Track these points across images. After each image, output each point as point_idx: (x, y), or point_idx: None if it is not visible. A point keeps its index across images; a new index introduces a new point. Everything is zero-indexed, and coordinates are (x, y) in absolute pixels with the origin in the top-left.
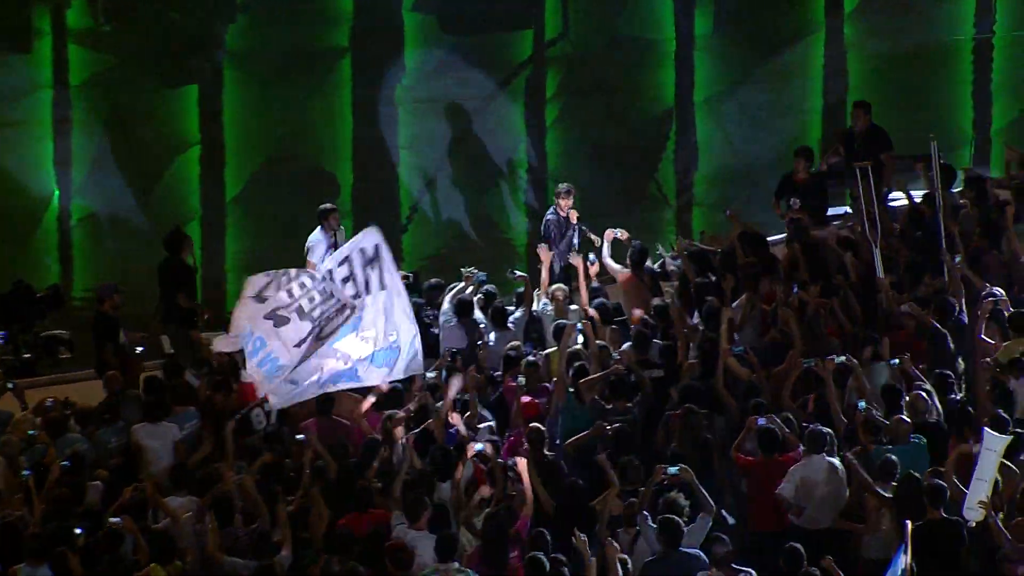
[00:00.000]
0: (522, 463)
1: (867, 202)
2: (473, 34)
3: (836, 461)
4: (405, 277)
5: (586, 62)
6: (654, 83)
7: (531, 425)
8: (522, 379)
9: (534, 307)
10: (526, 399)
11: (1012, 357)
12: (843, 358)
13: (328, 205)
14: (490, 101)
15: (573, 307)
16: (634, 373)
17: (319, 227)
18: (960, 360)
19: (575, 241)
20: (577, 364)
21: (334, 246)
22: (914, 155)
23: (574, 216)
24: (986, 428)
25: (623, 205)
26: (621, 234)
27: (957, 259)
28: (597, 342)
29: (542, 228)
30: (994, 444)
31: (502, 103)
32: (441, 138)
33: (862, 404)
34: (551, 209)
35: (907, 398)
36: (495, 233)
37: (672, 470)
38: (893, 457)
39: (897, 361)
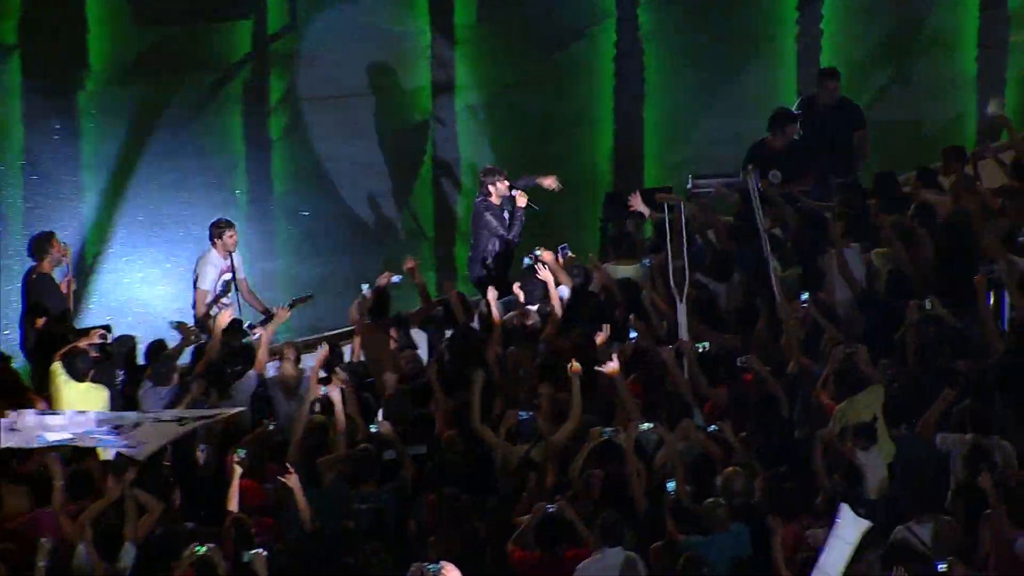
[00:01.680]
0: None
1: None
2: (175, 25)
3: (635, 557)
4: (102, 336)
5: (320, 60)
6: (406, 86)
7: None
8: (241, 452)
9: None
10: (247, 483)
11: (857, 422)
12: (649, 425)
13: (224, 219)
14: (198, 109)
15: (310, 361)
16: (394, 448)
17: (211, 247)
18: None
19: (519, 227)
20: (314, 437)
21: (230, 271)
22: (733, 174)
23: (522, 199)
24: (843, 508)
25: (369, 239)
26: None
27: (804, 296)
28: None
29: (479, 227)
30: (848, 531)
31: (214, 111)
32: (136, 155)
33: (671, 485)
34: (480, 200)
35: (725, 474)
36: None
37: (432, 568)
38: (701, 552)
39: (715, 427)
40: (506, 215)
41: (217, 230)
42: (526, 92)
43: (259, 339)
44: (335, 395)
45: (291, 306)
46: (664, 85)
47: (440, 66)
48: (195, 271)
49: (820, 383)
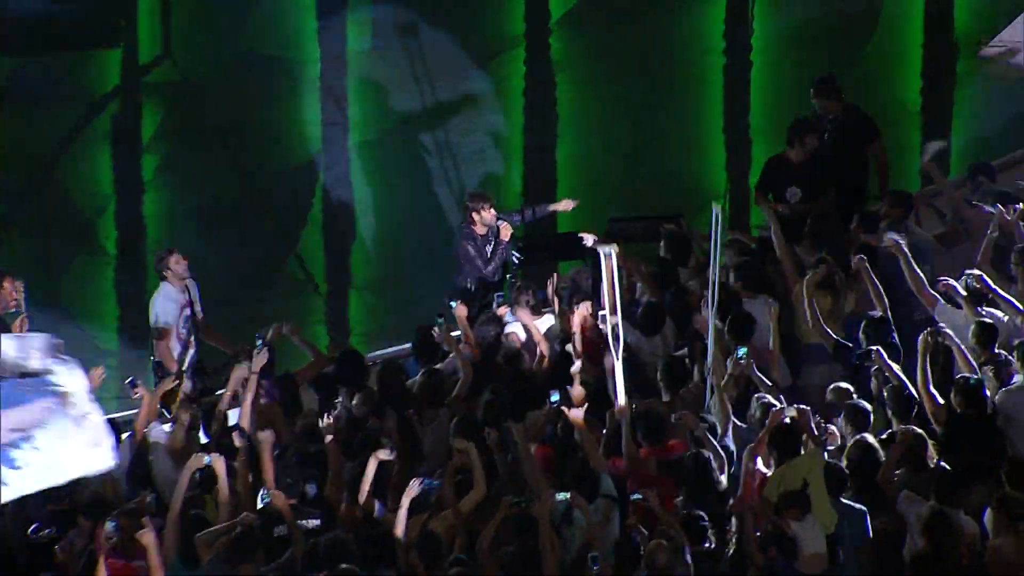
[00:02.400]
0: None
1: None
2: (37, 54)
3: None
4: None
5: (199, 93)
6: (293, 120)
7: None
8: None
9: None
10: (114, 563)
11: (790, 490)
12: (565, 495)
13: (167, 247)
14: (62, 147)
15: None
16: (286, 523)
17: (162, 282)
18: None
19: (499, 262)
20: (193, 512)
21: (189, 304)
22: (666, 216)
23: (507, 231)
24: None
25: (252, 290)
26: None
27: (741, 352)
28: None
29: (458, 257)
30: None
31: (80, 149)
32: None
33: (594, 560)
34: (462, 227)
35: (649, 548)
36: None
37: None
38: None
39: (639, 496)
40: (488, 248)
41: (160, 261)
42: (427, 125)
43: (142, 398)
44: (219, 465)
45: (263, 345)
46: (578, 117)
47: (331, 98)
48: (152, 309)
49: (753, 446)
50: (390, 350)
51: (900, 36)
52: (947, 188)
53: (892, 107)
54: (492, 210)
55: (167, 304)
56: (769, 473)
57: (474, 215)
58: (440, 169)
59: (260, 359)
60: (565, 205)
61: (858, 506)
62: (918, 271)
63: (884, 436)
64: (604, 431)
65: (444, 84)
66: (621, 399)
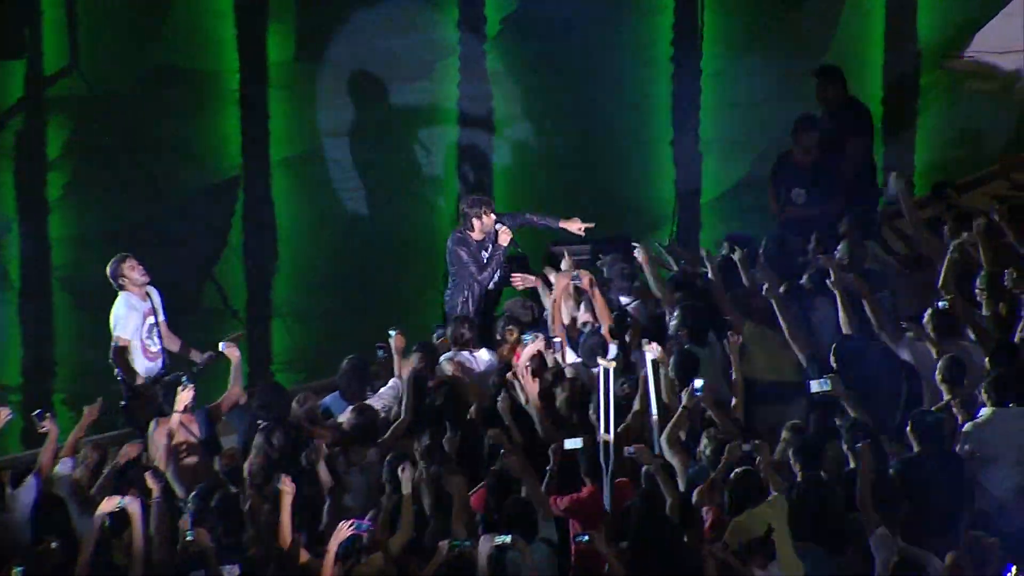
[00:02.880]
0: None
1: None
2: None
3: None
4: None
5: (109, 107)
6: (211, 135)
7: None
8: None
9: None
10: None
11: (753, 538)
12: (506, 538)
13: (120, 254)
14: None
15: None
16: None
17: (120, 290)
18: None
19: (495, 268)
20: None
21: (153, 312)
22: (613, 239)
23: (506, 236)
24: None
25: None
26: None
27: (697, 385)
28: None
29: (451, 263)
30: None
31: None
32: None
33: None
34: (455, 233)
35: None
36: None
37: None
38: None
39: (587, 537)
40: (484, 254)
41: (115, 271)
42: (355, 142)
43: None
44: (133, 507)
45: (189, 381)
46: (516, 132)
47: (252, 112)
48: (113, 321)
49: (705, 487)
50: (315, 383)
51: (859, 47)
52: (910, 208)
53: None
54: (492, 215)
55: (129, 314)
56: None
57: (474, 221)
58: (371, 187)
59: (185, 396)
60: (575, 225)
61: (818, 549)
62: (878, 303)
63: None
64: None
65: (374, 96)
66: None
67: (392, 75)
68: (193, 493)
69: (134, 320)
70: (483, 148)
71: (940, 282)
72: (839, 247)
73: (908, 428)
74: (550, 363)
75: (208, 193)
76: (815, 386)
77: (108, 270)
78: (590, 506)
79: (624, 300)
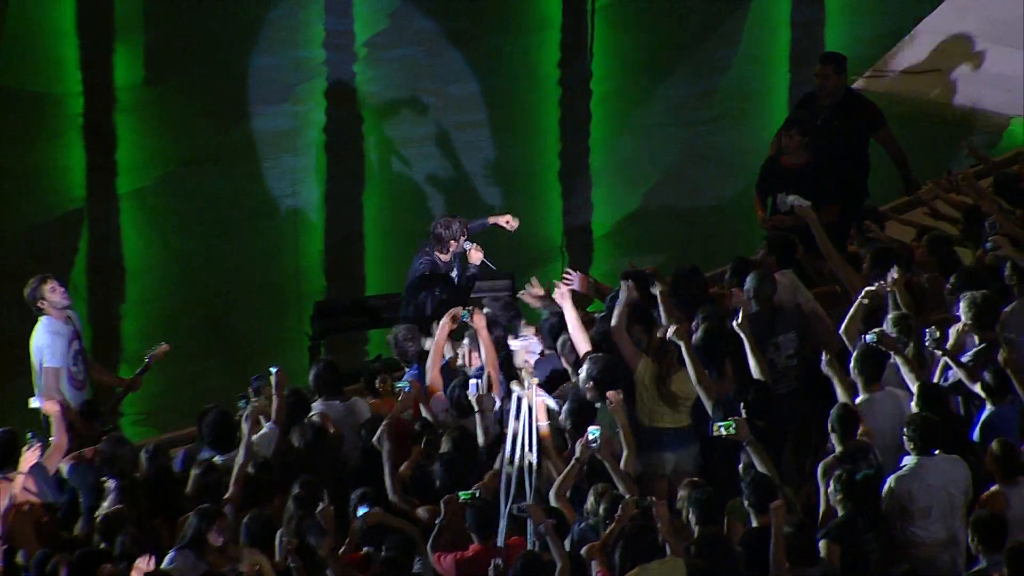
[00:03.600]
0: None
1: None
2: None
3: None
4: None
5: None
6: (54, 164)
7: None
8: None
9: None
10: None
11: None
12: None
13: (42, 277)
14: None
15: None
16: None
17: (40, 315)
18: None
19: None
20: None
21: (77, 337)
22: (494, 274)
23: (477, 255)
24: None
25: (5, 361)
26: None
27: (593, 433)
28: None
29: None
30: None
31: None
32: None
33: None
34: (424, 257)
35: None
36: None
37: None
38: None
39: None
40: (453, 275)
41: (33, 291)
42: (210, 172)
43: None
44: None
45: (144, 370)
46: (388, 158)
47: (97, 139)
48: (36, 349)
49: (598, 546)
50: (167, 435)
51: (763, 68)
52: (823, 239)
53: (755, 151)
54: (464, 240)
55: (55, 340)
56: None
57: (452, 243)
58: (229, 220)
59: (31, 456)
60: (508, 221)
61: None
62: (761, 359)
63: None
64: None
65: (231, 122)
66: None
67: (253, 96)
68: (35, 558)
69: (60, 346)
70: (352, 176)
71: (842, 326)
72: (748, 279)
73: (832, 485)
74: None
75: (49, 227)
76: (718, 429)
77: (26, 293)
78: (474, 568)
79: (513, 343)
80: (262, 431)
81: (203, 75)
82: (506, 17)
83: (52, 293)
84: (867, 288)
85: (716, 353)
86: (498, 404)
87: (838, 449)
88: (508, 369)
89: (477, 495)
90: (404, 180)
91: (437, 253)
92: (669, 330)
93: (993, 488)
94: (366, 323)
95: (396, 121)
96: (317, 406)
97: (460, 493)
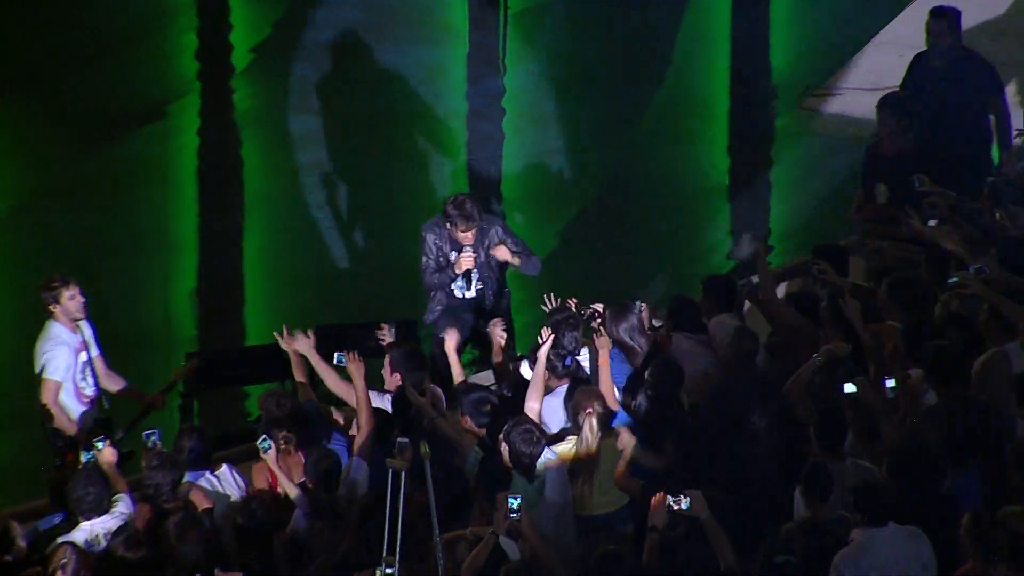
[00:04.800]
0: None
1: None
2: None
3: None
4: None
5: None
6: None
7: None
8: None
9: None
10: None
11: None
12: None
13: (56, 275)
14: None
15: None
16: None
17: (49, 320)
18: None
19: (475, 281)
20: None
21: (85, 347)
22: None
23: (466, 263)
24: None
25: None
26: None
27: (513, 505)
28: None
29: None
30: None
31: None
32: None
33: None
34: (431, 225)
35: None
36: None
37: None
38: None
39: None
40: (444, 257)
41: (50, 292)
42: (64, 204)
43: None
44: None
45: (170, 387)
46: (269, 191)
47: None
48: (38, 358)
49: None
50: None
51: (701, 81)
52: (765, 282)
53: (692, 175)
54: (469, 233)
55: (56, 349)
56: None
57: (449, 224)
58: (86, 260)
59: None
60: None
61: None
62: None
63: None
64: None
65: (91, 145)
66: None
67: (115, 117)
68: None
69: (63, 358)
70: (228, 209)
71: (787, 383)
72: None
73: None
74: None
75: None
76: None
77: (43, 291)
78: None
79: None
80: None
81: (56, 94)
82: (406, 27)
83: (71, 300)
84: (825, 347)
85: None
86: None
87: (805, 515)
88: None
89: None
90: (290, 212)
91: (446, 224)
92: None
93: (967, 566)
94: (246, 378)
95: (281, 145)
96: (189, 477)
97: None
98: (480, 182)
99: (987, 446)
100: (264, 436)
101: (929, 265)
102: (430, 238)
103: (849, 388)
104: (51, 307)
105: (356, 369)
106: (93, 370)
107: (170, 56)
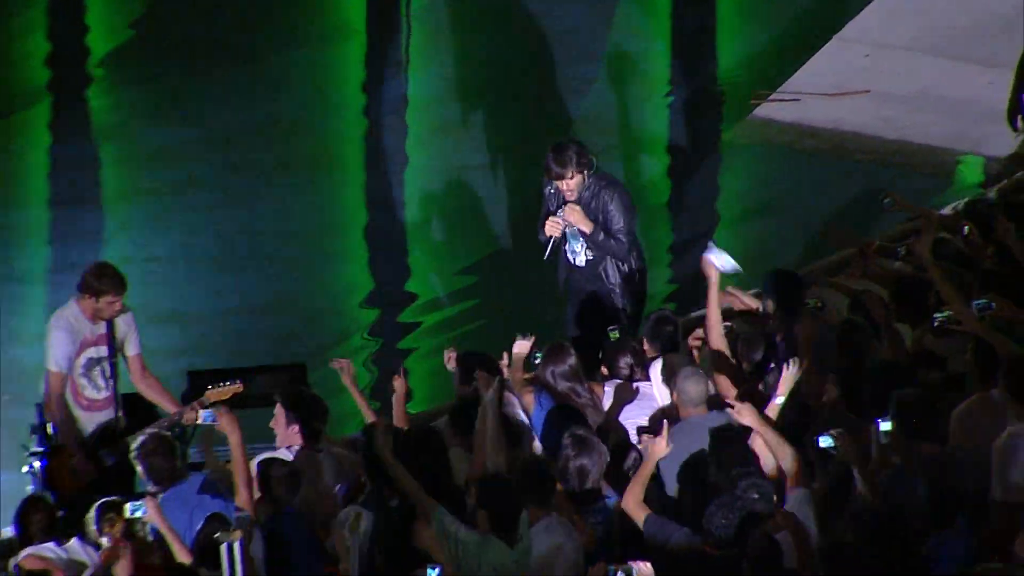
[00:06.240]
0: None
1: None
2: None
3: None
4: None
5: None
6: None
7: None
8: None
9: None
10: None
11: None
12: None
13: (108, 268)
14: None
15: None
16: None
17: (72, 300)
18: None
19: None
20: None
21: (102, 342)
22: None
23: (568, 191)
24: None
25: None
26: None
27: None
28: None
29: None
30: None
31: None
32: None
33: None
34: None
35: None
36: None
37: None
38: None
39: None
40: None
41: (95, 280)
42: None
43: None
44: None
45: (207, 403)
46: (133, 210)
47: None
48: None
49: None
50: None
51: (635, 85)
52: (713, 315)
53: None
54: (562, 182)
55: (61, 337)
56: None
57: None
58: None
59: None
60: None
61: None
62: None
63: None
64: None
65: None
66: None
67: None
68: None
69: (64, 345)
70: (85, 235)
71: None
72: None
73: None
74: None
75: None
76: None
77: (85, 275)
78: None
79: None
80: None
81: None
82: (292, 25)
83: (108, 306)
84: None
85: None
86: None
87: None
88: None
89: None
90: (153, 240)
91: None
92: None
93: None
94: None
95: (145, 163)
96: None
97: None
98: (380, 203)
99: (969, 505)
100: (134, 512)
101: (899, 301)
102: (545, 186)
103: (825, 442)
104: (85, 294)
105: (230, 425)
106: (104, 371)
107: (15, 61)
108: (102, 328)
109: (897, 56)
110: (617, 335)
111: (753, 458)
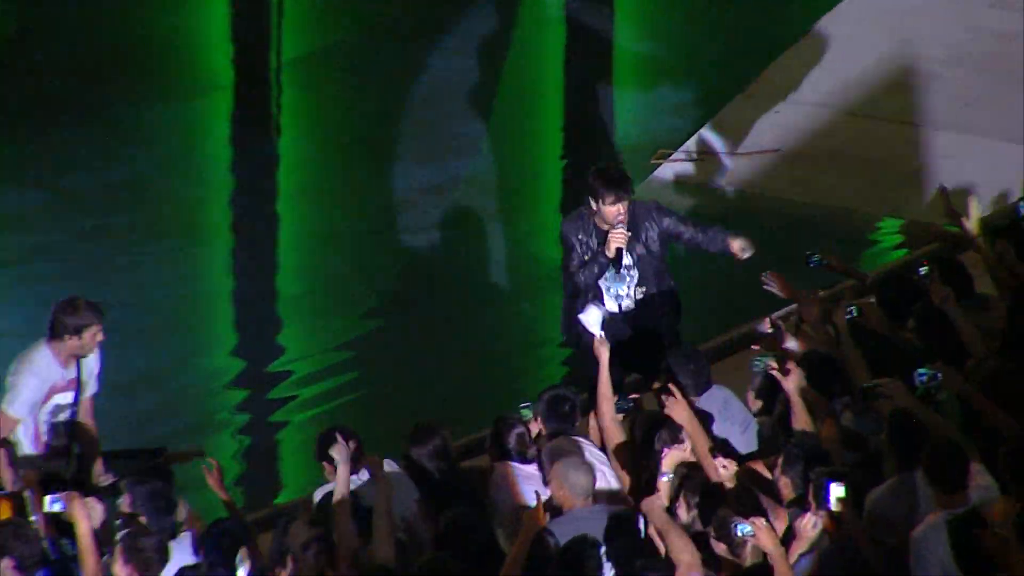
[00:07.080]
0: None
1: None
2: None
3: None
4: None
5: None
6: None
7: None
8: None
9: None
10: None
11: None
12: None
13: (81, 301)
14: None
15: None
16: None
17: (44, 343)
18: None
19: (626, 281)
20: None
21: (70, 388)
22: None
23: (619, 240)
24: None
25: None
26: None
27: None
28: None
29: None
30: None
31: None
32: None
33: None
34: (576, 211)
35: None
36: None
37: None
38: None
39: None
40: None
41: (73, 318)
42: None
43: None
44: None
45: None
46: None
47: None
48: (9, 378)
49: None
50: None
51: (525, 146)
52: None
53: (521, 260)
54: (619, 205)
55: (27, 380)
56: None
57: (593, 201)
58: None
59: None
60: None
61: None
62: None
63: None
64: None
65: None
66: None
67: None
68: None
69: (32, 390)
70: None
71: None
72: None
73: None
74: None
75: None
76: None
77: (57, 316)
78: None
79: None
80: None
81: None
82: (148, 76)
83: (92, 339)
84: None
85: None
86: None
87: None
88: None
89: None
90: (1, 316)
91: (588, 211)
92: None
93: None
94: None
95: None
96: None
97: None
98: (247, 274)
99: None
100: None
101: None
102: (570, 233)
103: (744, 530)
104: (62, 335)
105: (80, 512)
106: (67, 418)
107: None
108: (72, 372)
109: (809, 112)
110: (530, 413)
111: (653, 547)
